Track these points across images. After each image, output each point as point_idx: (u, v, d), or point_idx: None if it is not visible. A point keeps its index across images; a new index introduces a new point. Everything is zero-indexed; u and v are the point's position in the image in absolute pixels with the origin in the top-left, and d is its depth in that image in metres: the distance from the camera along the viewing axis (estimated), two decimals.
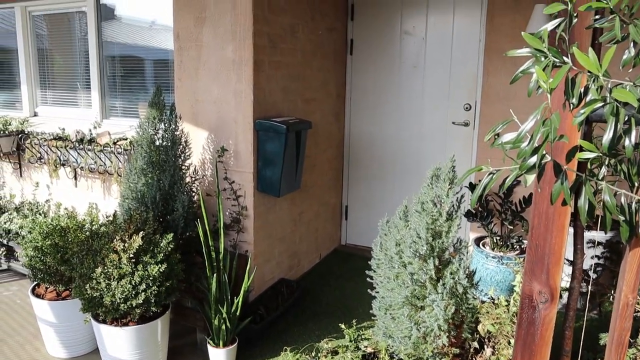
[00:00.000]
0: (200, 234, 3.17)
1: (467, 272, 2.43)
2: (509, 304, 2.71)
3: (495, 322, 2.55)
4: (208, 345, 3.23)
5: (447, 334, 2.42)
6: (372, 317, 3.86)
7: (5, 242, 4.46)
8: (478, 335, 2.62)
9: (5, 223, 4.55)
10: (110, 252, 2.90)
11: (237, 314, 3.21)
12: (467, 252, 2.50)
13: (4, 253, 4.50)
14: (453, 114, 4.63)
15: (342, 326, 2.95)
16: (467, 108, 4.56)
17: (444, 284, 2.39)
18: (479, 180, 4.20)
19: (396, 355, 2.62)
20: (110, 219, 3.37)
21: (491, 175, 1.33)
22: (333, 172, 4.92)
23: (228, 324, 3.15)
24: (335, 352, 2.89)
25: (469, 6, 4.44)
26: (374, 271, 2.70)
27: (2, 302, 4.24)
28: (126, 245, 2.90)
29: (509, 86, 4.22)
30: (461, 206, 2.51)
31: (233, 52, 3.51)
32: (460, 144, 4.62)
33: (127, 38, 4.55)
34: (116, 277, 2.84)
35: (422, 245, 2.39)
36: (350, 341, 2.85)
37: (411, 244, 2.41)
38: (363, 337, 2.92)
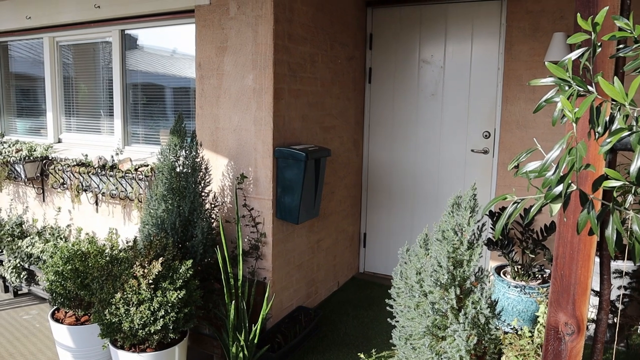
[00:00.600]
0: (219, 260, 3.17)
1: (489, 301, 2.39)
2: (532, 335, 2.65)
3: (519, 354, 2.49)
4: None
5: None
6: (392, 347, 3.80)
7: (26, 266, 4.50)
8: None
9: (27, 247, 4.61)
10: (129, 277, 2.91)
11: (255, 341, 3.18)
12: (488, 281, 2.46)
13: (25, 277, 4.54)
14: (472, 142, 4.62)
15: (362, 356, 2.90)
16: (486, 136, 4.55)
17: (465, 314, 2.35)
18: (500, 209, 4.15)
19: None
20: (131, 244, 3.39)
21: (516, 204, 1.32)
22: (351, 200, 4.91)
23: (246, 352, 3.12)
24: None
25: (487, 35, 4.47)
26: (394, 300, 2.67)
27: (21, 326, 4.27)
28: (146, 270, 2.91)
29: (528, 113, 4.21)
30: (482, 234, 2.49)
31: (253, 80, 3.56)
32: (480, 172, 4.60)
33: (149, 66, 4.64)
34: (135, 302, 2.85)
35: (443, 274, 2.36)
36: None
37: (432, 273, 2.38)
38: None
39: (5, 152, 5.15)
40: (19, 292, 4.91)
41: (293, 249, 3.93)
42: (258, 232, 3.63)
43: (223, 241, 3.27)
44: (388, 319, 4.24)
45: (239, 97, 3.63)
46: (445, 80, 4.71)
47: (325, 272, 4.55)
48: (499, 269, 4.07)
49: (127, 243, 3.76)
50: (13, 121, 5.90)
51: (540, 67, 4.13)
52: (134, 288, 2.87)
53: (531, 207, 1.38)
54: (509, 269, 4.03)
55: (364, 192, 5.13)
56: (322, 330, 4.07)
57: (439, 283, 2.38)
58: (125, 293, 2.87)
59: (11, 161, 5.02)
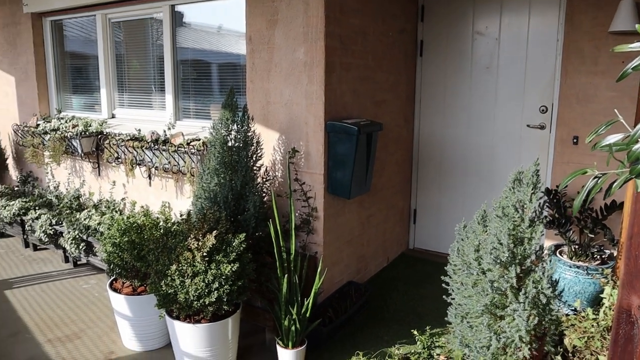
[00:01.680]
0: (272, 234, 3.18)
1: (550, 281, 2.31)
2: (597, 318, 2.55)
3: (582, 336, 2.41)
4: (277, 346, 3.23)
5: (528, 345, 2.30)
6: (443, 325, 3.75)
7: (84, 237, 4.65)
8: (562, 349, 2.48)
9: (85, 220, 4.76)
10: (184, 250, 2.96)
11: (307, 315, 3.20)
12: (550, 261, 2.38)
13: (83, 248, 4.70)
14: (528, 117, 4.45)
15: (415, 332, 2.88)
16: (543, 110, 4.37)
17: (526, 293, 2.28)
18: (556, 186, 4.00)
19: None
20: (184, 217, 3.44)
21: (596, 179, 1.24)
22: (402, 175, 4.84)
23: (297, 326, 3.14)
24: (407, 359, 2.83)
25: (546, 5, 4.25)
26: (450, 277, 2.61)
27: (81, 295, 4.44)
28: (200, 243, 2.95)
29: (589, 88, 4.01)
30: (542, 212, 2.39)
31: (304, 53, 3.51)
32: (535, 148, 4.43)
33: (198, 43, 4.65)
34: (190, 274, 2.90)
35: (503, 251, 2.29)
36: (423, 348, 2.77)
37: (492, 250, 2.31)
38: (436, 344, 2.83)
39: (62, 128, 5.30)
40: (78, 263, 5.10)
41: (344, 224, 3.91)
42: (309, 207, 3.62)
43: (275, 215, 3.27)
44: (441, 296, 4.19)
45: (289, 70, 3.59)
46: (500, 53, 4.53)
47: (375, 247, 4.53)
48: (555, 249, 3.94)
49: (180, 216, 3.82)
50: (69, 98, 6.06)
51: (604, 37, 3.91)
52: (189, 260, 2.92)
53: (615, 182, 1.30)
54: (565, 248, 3.89)
55: (414, 168, 5.04)
56: (371, 305, 4.06)
57: (498, 261, 2.31)
58: (180, 265, 2.92)
59: (68, 136, 5.17)
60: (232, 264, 2.92)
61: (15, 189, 6.26)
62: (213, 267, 2.90)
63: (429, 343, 2.86)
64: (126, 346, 3.59)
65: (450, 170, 4.85)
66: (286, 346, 3.21)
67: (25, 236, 5.50)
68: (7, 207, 5.48)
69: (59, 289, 4.55)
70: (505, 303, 2.35)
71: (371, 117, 4.06)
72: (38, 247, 5.53)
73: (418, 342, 2.88)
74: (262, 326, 3.54)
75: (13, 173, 6.73)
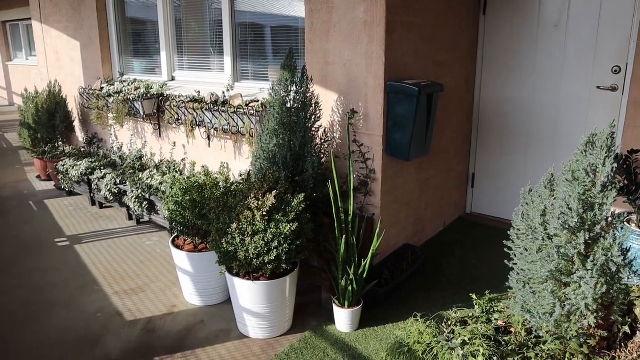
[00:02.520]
0: (331, 195, 3.18)
1: (621, 249, 2.21)
2: None
3: None
4: (333, 305, 3.28)
5: (594, 314, 2.23)
6: (500, 290, 3.69)
7: (147, 196, 4.82)
8: (630, 320, 2.39)
9: (147, 179, 4.92)
10: (244, 209, 3.01)
11: (364, 276, 3.21)
12: (622, 228, 2.27)
13: (146, 206, 4.87)
14: (598, 78, 4.22)
15: (474, 296, 2.84)
16: (615, 71, 4.12)
17: (594, 261, 2.20)
18: (628, 151, 3.82)
19: (535, 331, 2.47)
20: (244, 177, 3.49)
21: None
22: (461, 138, 4.72)
23: (354, 286, 3.16)
24: (464, 322, 2.80)
25: None
26: (512, 242, 2.55)
27: (145, 251, 4.62)
28: (260, 203, 2.98)
29: None
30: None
31: (364, 12, 3.43)
32: (604, 112, 4.21)
33: (256, 5, 4.62)
34: (250, 233, 2.95)
35: (572, 217, 2.20)
36: (482, 312, 2.74)
37: (560, 215, 2.23)
38: (495, 309, 2.79)
39: (125, 91, 5.44)
40: (141, 221, 5.30)
41: (402, 186, 3.87)
42: (367, 168, 3.60)
43: (334, 176, 3.27)
44: (498, 262, 4.11)
45: (349, 30, 3.52)
46: (570, 10, 4.28)
47: (433, 211, 4.47)
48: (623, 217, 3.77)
49: (239, 176, 3.88)
50: (130, 61, 6.21)
51: None
52: (249, 219, 2.97)
53: None
54: (634, 217, 3.72)
55: (474, 131, 4.90)
56: (428, 269, 4.04)
57: (566, 226, 2.23)
58: (240, 224, 2.97)
59: (131, 99, 5.31)
60: (291, 224, 2.95)
61: (82, 150, 6.54)
62: (272, 227, 2.94)
63: (487, 307, 2.82)
64: (187, 300, 3.73)
65: (512, 134, 4.69)
66: (342, 305, 3.25)
67: (92, 194, 5.75)
68: (75, 167, 5.73)
69: (123, 245, 4.75)
70: (572, 270, 2.27)
71: (432, 78, 3.95)
72: (104, 205, 5.77)
73: (476, 306, 2.84)
74: (318, 285, 3.58)
75: (79, 135, 7.02)
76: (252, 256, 2.94)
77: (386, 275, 3.61)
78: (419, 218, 4.26)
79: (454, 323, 2.75)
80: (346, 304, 3.23)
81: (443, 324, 2.73)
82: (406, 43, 3.60)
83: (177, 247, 3.61)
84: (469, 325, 2.72)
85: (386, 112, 3.48)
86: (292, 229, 2.94)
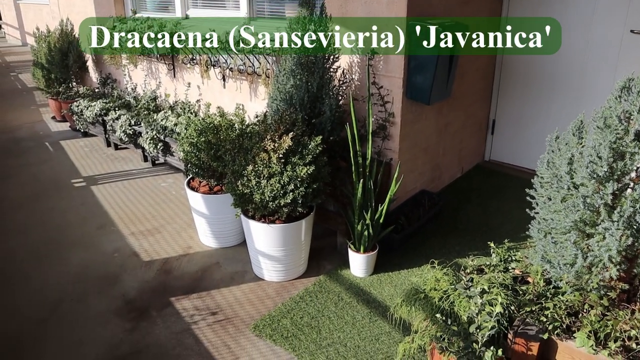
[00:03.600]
0: (348, 138, 3.10)
1: None
2: None
3: None
4: (349, 250, 3.26)
5: (617, 266, 2.17)
6: (516, 239, 3.66)
7: (162, 138, 4.77)
8: None
9: (161, 120, 4.86)
10: (260, 151, 2.95)
11: (380, 221, 3.17)
12: None
13: (161, 148, 4.84)
14: (633, 20, 3.98)
15: (491, 245, 2.79)
16: None
17: (621, 212, 2.12)
18: None
19: (554, 282, 2.43)
20: (260, 118, 3.42)
21: None
22: (483, 83, 4.56)
23: (370, 231, 3.13)
24: (481, 270, 2.77)
25: None
26: (535, 190, 2.47)
27: (160, 192, 4.62)
28: (276, 145, 2.92)
29: None
30: None
31: None
32: (637, 58, 4.00)
33: None
34: (266, 175, 2.90)
35: (601, 165, 2.11)
36: (500, 261, 2.69)
37: (588, 164, 2.13)
38: (513, 258, 2.74)
39: (138, 29, 5.30)
40: (156, 162, 5.28)
41: (421, 130, 3.77)
42: (386, 112, 3.50)
43: (353, 119, 3.17)
44: (515, 210, 4.06)
45: None
46: None
47: (451, 157, 4.38)
48: None
49: (255, 117, 3.80)
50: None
51: None
52: (265, 161, 2.91)
53: None
54: None
55: (496, 75, 4.72)
56: (444, 216, 3.99)
57: (594, 175, 2.14)
58: (256, 166, 2.92)
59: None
60: (307, 167, 2.89)
61: (96, 90, 6.47)
62: (289, 169, 2.88)
63: (505, 256, 2.77)
64: (203, 242, 3.74)
65: (536, 81, 4.50)
66: (358, 250, 3.23)
67: (107, 135, 5.73)
68: (89, 108, 5.68)
69: (139, 186, 4.75)
70: (597, 221, 2.20)
71: (456, 17, 3.76)
72: (119, 147, 5.76)
73: (493, 255, 2.80)
74: (333, 229, 3.56)
75: (93, 75, 6.93)
76: (267, 199, 2.90)
77: (402, 220, 3.57)
78: (436, 164, 4.18)
79: (471, 271, 2.72)
80: (362, 248, 3.21)
81: (461, 272, 2.70)
82: None
83: (193, 189, 3.58)
84: (486, 273, 2.69)
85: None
86: (309, 172, 2.88)
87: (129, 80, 6.01)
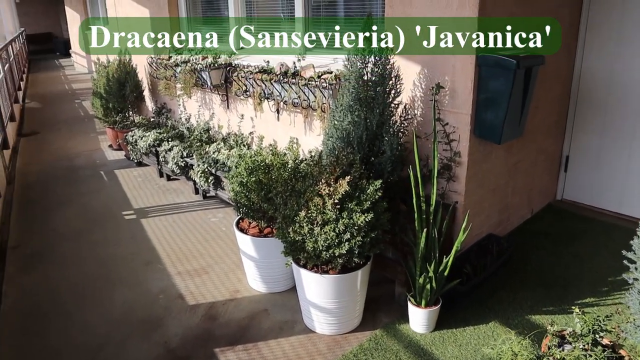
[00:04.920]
0: (411, 181, 2.81)
1: None
2: None
3: None
4: (409, 303, 2.95)
5: None
6: (597, 294, 3.25)
7: (213, 171, 4.64)
8: None
9: (213, 153, 4.73)
10: (314, 195, 2.71)
11: (445, 274, 2.86)
12: None
13: (212, 182, 4.70)
14: None
15: (576, 310, 2.42)
16: None
17: None
18: None
19: None
20: (315, 158, 3.20)
21: None
22: (556, 116, 4.19)
23: (434, 284, 2.82)
24: (562, 338, 2.40)
25: None
26: (634, 252, 2.11)
27: (210, 228, 4.46)
28: (331, 189, 2.68)
29: None
30: None
31: None
32: None
33: None
34: (320, 223, 2.66)
35: None
36: (588, 332, 2.31)
37: None
38: (602, 327, 2.36)
39: (192, 60, 5.25)
40: (207, 195, 5.15)
41: (489, 170, 3.44)
42: (452, 151, 3.20)
43: (416, 158, 2.88)
44: (595, 259, 3.64)
45: None
46: None
47: (520, 197, 4.01)
48: None
49: (309, 153, 3.58)
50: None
51: None
52: (319, 207, 2.67)
53: None
54: None
55: (571, 108, 4.33)
56: (513, 263, 3.62)
57: None
58: (309, 211, 2.68)
59: (198, 68, 5.10)
60: (365, 214, 2.63)
61: (151, 120, 6.47)
62: (345, 216, 2.63)
63: (593, 326, 2.38)
64: (251, 286, 3.52)
65: (617, 113, 4.08)
66: (418, 304, 2.92)
67: (159, 166, 5.67)
68: (143, 138, 5.65)
69: (188, 221, 4.62)
70: None
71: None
72: (171, 178, 5.68)
73: (578, 321, 2.41)
74: (391, 278, 3.27)
75: (149, 104, 6.96)
76: (321, 248, 2.65)
77: (468, 270, 3.23)
78: (504, 206, 3.82)
79: (551, 339, 2.36)
80: (423, 302, 2.90)
81: (544, 343, 2.35)
82: (500, 6, 3.12)
83: (242, 230, 3.38)
84: (569, 342, 2.33)
85: (476, 88, 3.04)
86: (367, 219, 2.62)
87: (183, 110, 5.97)
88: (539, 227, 4.16)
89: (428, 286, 2.82)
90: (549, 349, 2.35)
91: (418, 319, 2.93)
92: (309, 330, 3.04)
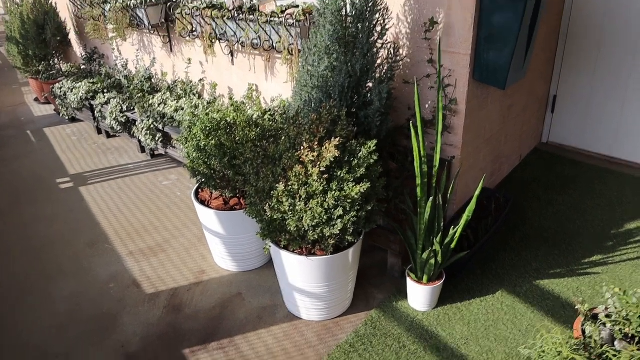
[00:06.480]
0: (413, 142, 2.31)
1: None
2: None
3: None
4: (408, 279, 2.55)
5: None
6: (601, 248, 2.95)
7: (161, 127, 4.00)
8: None
9: (159, 105, 4.08)
10: (294, 162, 2.19)
11: (452, 246, 2.45)
12: None
13: (160, 139, 4.07)
14: None
15: (615, 289, 2.05)
16: None
17: None
18: None
19: None
20: (286, 112, 2.66)
21: None
22: (547, 53, 3.75)
23: (439, 259, 2.41)
24: (595, 317, 2.06)
25: None
26: None
27: (162, 194, 3.88)
28: (315, 155, 2.16)
29: None
30: None
31: None
32: None
33: None
34: (303, 197, 2.16)
35: None
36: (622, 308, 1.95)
37: None
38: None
39: None
40: (156, 153, 4.52)
41: (486, 118, 3.01)
42: (447, 98, 2.73)
43: (417, 110, 2.35)
44: (594, 208, 3.33)
45: None
46: None
47: (512, 144, 3.62)
48: None
49: (272, 102, 3.03)
50: None
51: None
52: (301, 177, 2.16)
53: None
54: None
55: (560, 43, 3.88)
56: (511, 218, 3.27)
57: None
58: (289, 184, 2.17)
59: (131, 5, 4.32)
60: (360, 184, 2.14)
61: (82, 68, 5.64)
62: (335, 188, 2.14)
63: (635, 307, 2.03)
64: (218, 264, 3.03)
65: (612, 48, 3.65)
66: (419, 280, 2.52)
67: (96, 123, 4.95)
68: (74, 90, 4.88)
69: (136, 186, 4.01)
70: None
71: None
72: (111, 135, 4.98)
73: (610, 296, 2.05)
74: (383, 248, 2.84)
75: (78, 50, 6.09)
76: (306, 227, 2.17)
77: (468, 233, 2.84)
78: (497, 155, 3.43)
79: (585, 324, 2.01)
80: (425, 278, 2.50)
81: (574, 326, 2.00)
82: None
83: (203, 202, 2.84)
84: (605, 324, 1.98)
85: (477, 22, 2.53)
86: (362, 190, 2.13)
87: (119, 55, 5.18)
88: (530, 174, 3.80)
89: (432, 261, 2.41)
90: (583, 334, 2.01)
91: (419, 296, 2.54)
92: (293, 317, 2.61)
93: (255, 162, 2.35)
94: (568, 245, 3.01)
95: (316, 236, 2.19)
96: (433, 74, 2.73)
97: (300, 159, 2.19)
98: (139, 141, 4.42)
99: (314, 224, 2.14)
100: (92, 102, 4.72)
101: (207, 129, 2.63)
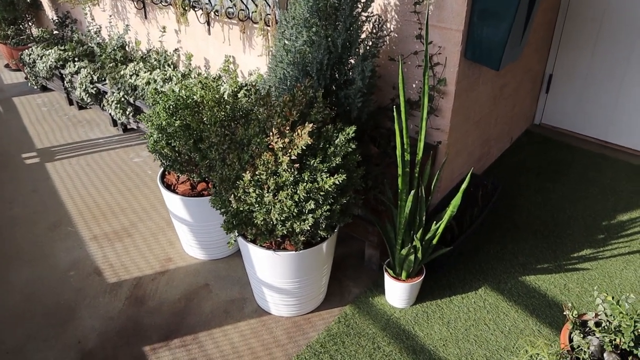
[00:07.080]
0: (395, 124, 2.10)
1: None
2: None
3: None
4: (385, 274, 2.37)
5: None
6: (594, 242, 2.79)
7: (132, 100, 3.75)
8: None
9: (131, 77, 3.82)
10: (263, 149, 1.98)
11: (434, 242, 2.27)
12: None
13: (131, 113, 3.83)
14: None
15: (608, 298, 1.89)
16: None
17: None
18: None
19: None
20: (259, 91, 2.43)
21: None
22: (544, 29, 3.52)
23: (419, 255, 2.23)
24: (583, 325, 1.90)
25: None
26: None
27: (132, 172, 3.66)
28: (286, 141, 1.95)
29: None
30: None
31: None
32: None
33: None
34: (272, 188, 1.95)
35: None
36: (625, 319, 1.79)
37: None
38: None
39: None
40: (128, 127, 4.28)
41: (475, 100, 2.79)
42: (435, 77, 2.51)
43: (401, 92, 2.12)
44: (587, 197, 3.16)
45: None
46: None
47: (502, 126, 3.43)
48: None
49: (250, 75, 2.79)
50: None
51: None
52: (270, 166, 1.95)
53: None
54: None
55: (559, 19, 3.66)
56: (498, 207, 3.09)
57: None
58: (257, 172, 1.97)
59: None
60: (335, 175, 1.94)
61: (54, 33, 5.32)
62: (306, 179, 1.93)
63: (627, 316, 1.86)
64: (186, 252, 2.84)
65: (613, 25, 3.43)
66: (398, 276, 2.35)
67: (67, 93, 4.68)
68: (43, 58, 4.59)
69: (106, 163, 3.78)
70: None
71: None
72: (83, 106, 4.71)
73: (601, 304, 1.89)
74: (360, 239, 2.66)
75: (49, 14, 5.74)
76: (275, 222, 1.97)
77: (452, 224, 2.66)
78: (486, 138, 3.23)
79: (572, 331, 1.85)
80: (404, 274, 2.33)
81: (561, 334, 1.84)
82: None
83: (169, 187, 2.63)
84: (593, 334, 1.82)
85: None
86: (337, 181, 1.93)
87: (91, 21, 4.86)
88: (520, 158, 3.62)
89: (412, 257, 2.23)
90: (570, 342, 1.85)
91: (397, 293, 2.37)
92: (262, 312, 2.43)
93: (221, 147, 2.14)
94: (557, 238, 2.85)
95: (285, 231, 1.99)
96: (421, 51, 2.50)
97: (270, 145, 1.98)
98: (110, 114, 4.16)
99: (282, 218, 1.94)
100: (62, 72, 4.44)
101: (171, 107, 2.40)
